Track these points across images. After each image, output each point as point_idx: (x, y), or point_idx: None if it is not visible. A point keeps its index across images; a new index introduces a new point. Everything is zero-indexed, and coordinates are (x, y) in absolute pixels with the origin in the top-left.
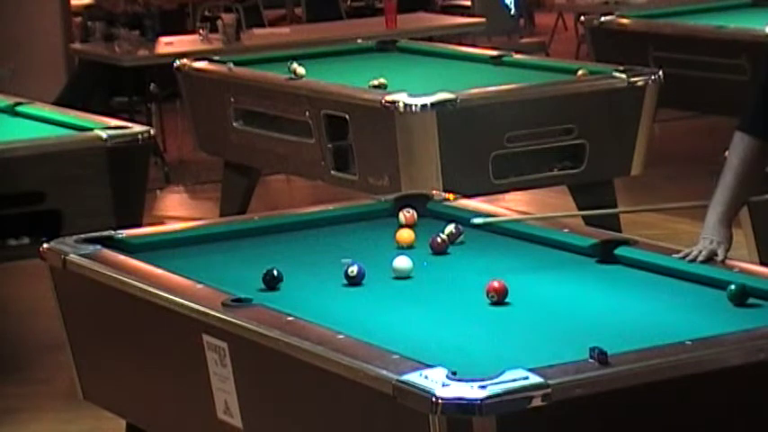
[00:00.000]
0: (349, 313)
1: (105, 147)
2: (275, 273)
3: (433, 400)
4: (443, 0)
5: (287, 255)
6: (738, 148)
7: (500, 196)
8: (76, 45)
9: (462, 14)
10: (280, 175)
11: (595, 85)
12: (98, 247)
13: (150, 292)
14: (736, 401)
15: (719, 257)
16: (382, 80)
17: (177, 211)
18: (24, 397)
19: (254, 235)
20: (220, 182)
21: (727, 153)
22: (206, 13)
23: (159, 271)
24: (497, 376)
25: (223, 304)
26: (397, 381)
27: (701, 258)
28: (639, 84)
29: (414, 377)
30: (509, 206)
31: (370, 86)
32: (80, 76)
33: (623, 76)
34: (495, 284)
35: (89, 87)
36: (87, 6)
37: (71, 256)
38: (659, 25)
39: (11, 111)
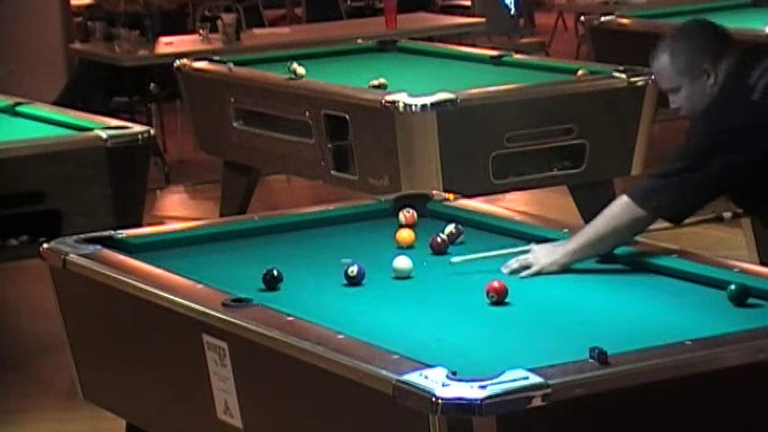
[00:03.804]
0: (349, 313)
1: (105, 147)
2: (275, 273)
3: (433, 400)
4: (443, 0)
5: (287, 255)
6: (627, 217)
7: (500, 196)
8: (76, 45)
9: (462, 14)
10: (280, 175)
11: (595, 85)
12: (98, 247)
13: (150, 292)
14: (736, 401)
15: (525, 273)
16: (382, 80)
17: (177, 211)
18: (24, 397)
19: (254, 235)
20: (220, 182)
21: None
22: (206, 13)
23: (159, 271)
24: (497, 376)
25: (223, 304)
26: (397, 381)
27: (510, 270)
28: (639, 84)
29: (414, 377)
30: (509, 206)
31: (370, 86)
32: (80, 76)
33: (623, 76)
34: (495, 284)
35: (89, 87)
36: (87, 6)
37: (71, 256)
38: (659, 25)
39: (11, 111)
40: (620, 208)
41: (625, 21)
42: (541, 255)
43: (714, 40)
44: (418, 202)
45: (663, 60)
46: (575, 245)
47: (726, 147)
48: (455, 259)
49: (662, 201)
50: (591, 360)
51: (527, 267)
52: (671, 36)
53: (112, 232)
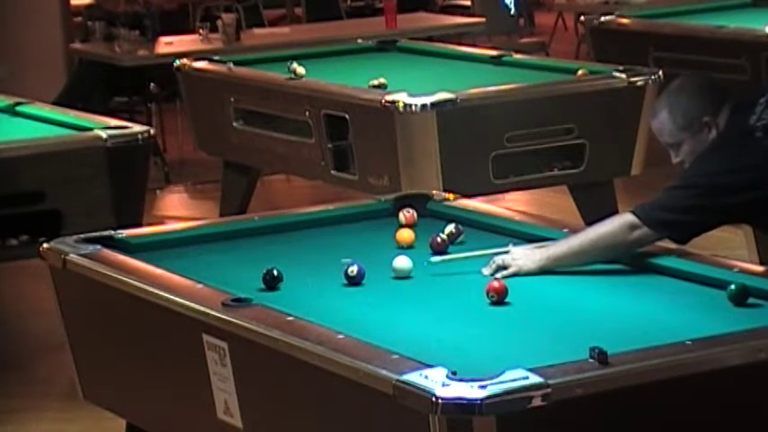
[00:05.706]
0: (349, 313)
1: (105, 147)
2: (275, 273)
3: (433, 400)
4: (443, 0)
5: (287, 255)
6: (624, 235)
7: (500, 196)
8: (76, 45)
9: (462, 14)
10: (280, 175)
11: (595, 85)
12: (98, 246)
13: (150, 292)
14: (736, 401)
15: (501, 274)
16: (382, 80)
17: (177, 211)
18: (25, 397)
19: (254, 235)
20: (220, 182)
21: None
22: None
23: (159, 271)
24: (497, 376)
25: (223, 304)
26: (397, 381)
27: (490, 270)
28: (639, 84)
29: (414, 377)
30: (509, 206)
31: (370, 86)
32: (80, 76)
33: (623, 76)
34: (495, 284)
35: (89, 87)
36: (87, 6)
37: (71, 256)
38: (659, 25)
39: (11, 111)
40: (619, 225)
41: (625, 21)
42: (519, 256)
43: (711, 92)
44: (418, 201)
45: (662, 117)
46: (555, 251)
47: (730, 186)
48: (434, 258)
49: (667, 221)
50: (591, 360)
51: (505, 268)
52: (668, 92)
53: (112, 232)
